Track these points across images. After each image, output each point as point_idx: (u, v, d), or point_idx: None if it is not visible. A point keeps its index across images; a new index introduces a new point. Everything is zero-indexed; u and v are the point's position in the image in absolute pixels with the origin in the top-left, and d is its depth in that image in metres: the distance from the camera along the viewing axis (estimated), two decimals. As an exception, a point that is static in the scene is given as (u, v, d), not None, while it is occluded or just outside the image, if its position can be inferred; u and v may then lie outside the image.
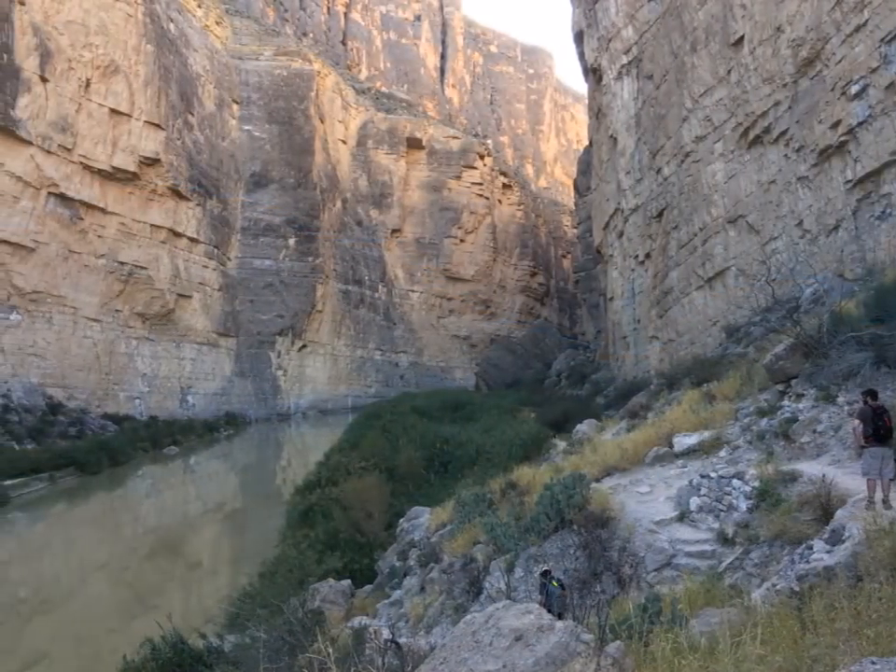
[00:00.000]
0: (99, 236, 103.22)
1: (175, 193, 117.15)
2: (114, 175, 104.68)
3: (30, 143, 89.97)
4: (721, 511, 19.68)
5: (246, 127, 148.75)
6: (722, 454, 24.31)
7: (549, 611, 11.92)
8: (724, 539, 18.27)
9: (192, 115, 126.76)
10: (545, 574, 16.75)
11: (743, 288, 51.29)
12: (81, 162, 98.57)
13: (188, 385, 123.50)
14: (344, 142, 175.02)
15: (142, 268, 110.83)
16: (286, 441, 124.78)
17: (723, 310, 54.87)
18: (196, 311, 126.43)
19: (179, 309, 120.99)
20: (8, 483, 64.77)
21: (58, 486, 71.53)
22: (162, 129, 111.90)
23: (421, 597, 26.56)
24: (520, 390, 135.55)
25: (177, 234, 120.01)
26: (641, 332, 74.45)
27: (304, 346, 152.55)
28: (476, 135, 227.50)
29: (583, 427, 49.80)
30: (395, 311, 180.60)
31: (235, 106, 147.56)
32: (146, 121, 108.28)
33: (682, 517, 20.71)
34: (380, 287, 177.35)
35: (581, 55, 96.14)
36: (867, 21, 37.52)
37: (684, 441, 27.22)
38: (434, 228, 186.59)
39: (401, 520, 40.07)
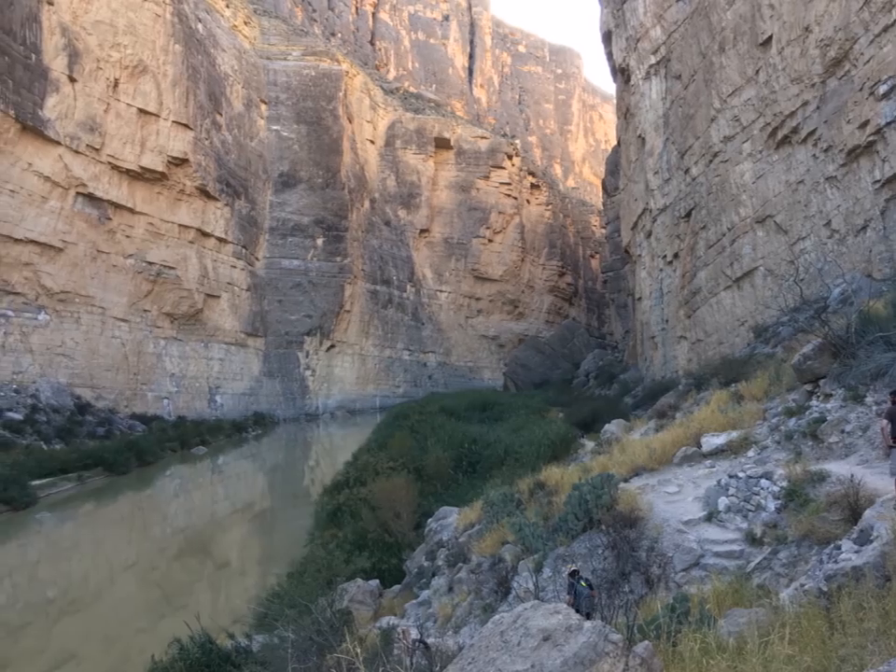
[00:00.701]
0: (127, 236, 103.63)
1: (204, 193, 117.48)
2: (142, 175, 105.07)
3: (58, 143, 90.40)
4: (750, 510, 19.60)
5: (275, 127, 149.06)
6: (751, 454, 24.22)
7: (577, 611, 11.86)
8: (753, 539, 18.20)
9: (220, 115, 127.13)
10: (573, 574, 16.71)
11: (771, 288, 51.20)
12: (109, 162, 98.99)
13: (216, 385, 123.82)
14: (372, 142, 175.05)
15: (170, 268, 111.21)
16: (314, 441, 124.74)
17: (751, 310, 54.72)
18: (224, 311, 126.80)
19: (207, 309, 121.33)
20: (37, 483, 65.00)
21: (86, 486, 71.75)
22: (191, 129, 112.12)
23: (449, 597, 26.56)
24: (548, 390, 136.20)
25: (206, 234, 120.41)
26: (669, 332, 74.33)
27: (332, 346, 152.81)
28: (504, 135, 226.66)
29: (612, 427, 49.71)
30: (423, 311, 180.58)
31: (263, 106, 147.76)
32: (174, 121, 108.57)
33: (710, 517, 20.63)
34: (408, 287, 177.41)
35: (610, 55, 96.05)
36: (895, 21, 37.37)
37: (712, 441, 27.14)
38: (462, 228, 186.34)
39: (430, 520, 40.04)
